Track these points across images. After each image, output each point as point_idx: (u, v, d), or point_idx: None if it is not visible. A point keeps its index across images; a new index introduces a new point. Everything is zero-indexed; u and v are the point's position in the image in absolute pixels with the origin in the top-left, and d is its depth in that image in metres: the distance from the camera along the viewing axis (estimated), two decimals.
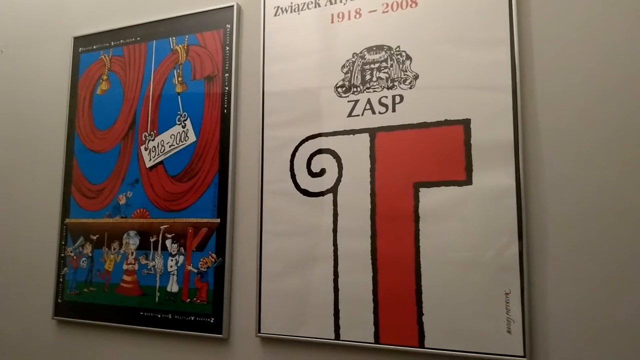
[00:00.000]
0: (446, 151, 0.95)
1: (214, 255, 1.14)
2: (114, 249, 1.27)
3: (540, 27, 0.93)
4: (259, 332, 1.06)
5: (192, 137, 1.21)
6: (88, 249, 1.31)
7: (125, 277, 1.24)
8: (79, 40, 1.43)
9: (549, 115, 0.90)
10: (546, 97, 0.91)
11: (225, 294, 1.11)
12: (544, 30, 0.92)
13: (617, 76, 0.87)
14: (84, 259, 1.31)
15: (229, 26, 1.20)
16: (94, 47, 1.40)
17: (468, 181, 0.93)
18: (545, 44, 0.92)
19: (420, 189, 0.96)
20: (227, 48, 1.20)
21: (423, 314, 0.93)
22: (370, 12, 1.06)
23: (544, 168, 0.90)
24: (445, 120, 0.96)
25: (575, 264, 0.86)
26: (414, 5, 1.02)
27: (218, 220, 1.14)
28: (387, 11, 1.05)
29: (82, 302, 1.29)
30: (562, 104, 0.90)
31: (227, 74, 1.19)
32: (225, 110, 1.18)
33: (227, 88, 1.18)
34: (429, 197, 0.95)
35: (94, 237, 1.31)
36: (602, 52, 0.88)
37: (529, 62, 0.93)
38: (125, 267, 1.25)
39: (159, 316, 1.18)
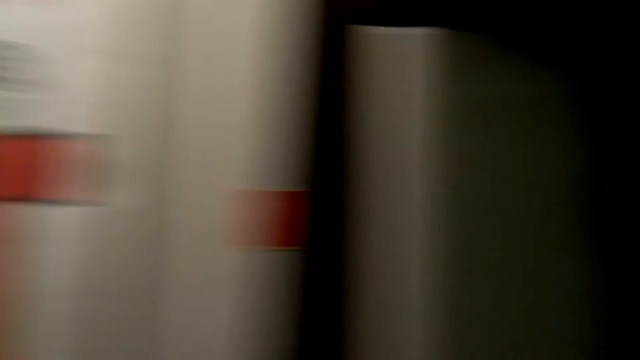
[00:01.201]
0: (78, 166, 0.87)
1: None
2: None
3: (194, 44, 0.95)
4: None
5: None
6: None
7: None
8: None
9: (193, 137, 0.93)
10: (194, 117, 0.93)
11: None
12: (197, 47, 0.95)
13: None
14: None
15: None
16: None
17: (101, 201, 0.86)
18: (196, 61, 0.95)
19: (41, 207, 0.85)
20: None
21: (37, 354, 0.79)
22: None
23: (184, 188, 0.91)
24: (83, 133, 0.88)
25: None
26: (64, 4, 0.92)
27: None
28: (31, 5, 0.92)
29: None
30: (207, 125, 0.93)
31: None
32: None
33: None
34: (50, 217, 0.85)
35: None
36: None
37: (180, 79, 0.94)
38: None
39: None
